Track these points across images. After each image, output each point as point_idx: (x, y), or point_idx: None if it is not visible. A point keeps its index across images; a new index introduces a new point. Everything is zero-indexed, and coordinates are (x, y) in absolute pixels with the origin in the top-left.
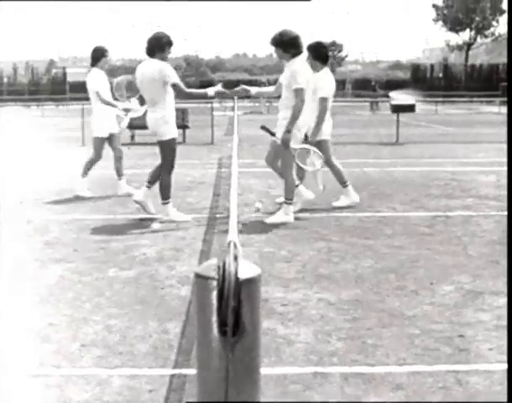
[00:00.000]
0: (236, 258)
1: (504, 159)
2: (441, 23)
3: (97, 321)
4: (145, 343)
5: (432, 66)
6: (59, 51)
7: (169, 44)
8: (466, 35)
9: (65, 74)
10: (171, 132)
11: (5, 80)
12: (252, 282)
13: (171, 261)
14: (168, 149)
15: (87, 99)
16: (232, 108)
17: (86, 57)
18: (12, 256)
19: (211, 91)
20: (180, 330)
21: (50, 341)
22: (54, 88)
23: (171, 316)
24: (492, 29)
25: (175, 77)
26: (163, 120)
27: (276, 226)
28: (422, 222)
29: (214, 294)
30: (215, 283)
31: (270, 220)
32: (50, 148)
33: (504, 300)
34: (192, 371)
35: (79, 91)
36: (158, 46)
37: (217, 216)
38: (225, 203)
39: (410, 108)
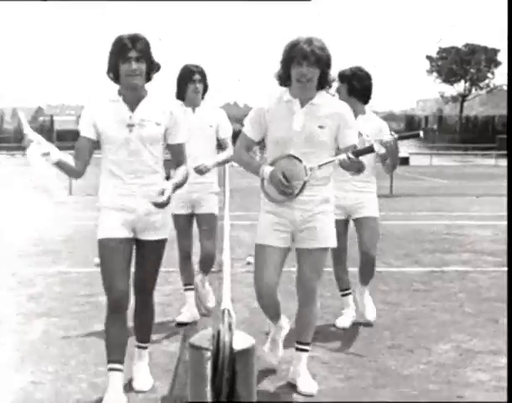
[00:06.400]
0: (230, 327)
1: (501, 213)
2: (435, 74)
3: (82, 379)
4: None
5: (426, 118)
6: (46, 99)
7: None
8: (460, 87)
9: (52, 122)
10: None
11: None
12: (246, 353)
13: (160, 316)
14: None
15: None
16: None
17: (74, 105)
18: None
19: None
20: (168, 388)
21: (32, 400)
22: (41, 136)
23: (159, 373)
24: (487, 81)
25: None
26: None
27: None
28: (417, 278)
29: (209, 364)
30: (209, 354)
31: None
32: (36, 197)
33: (504, 361)
34: None
35: (66, 139)
36: None
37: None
38: (216, 257)
39: (404, 161)
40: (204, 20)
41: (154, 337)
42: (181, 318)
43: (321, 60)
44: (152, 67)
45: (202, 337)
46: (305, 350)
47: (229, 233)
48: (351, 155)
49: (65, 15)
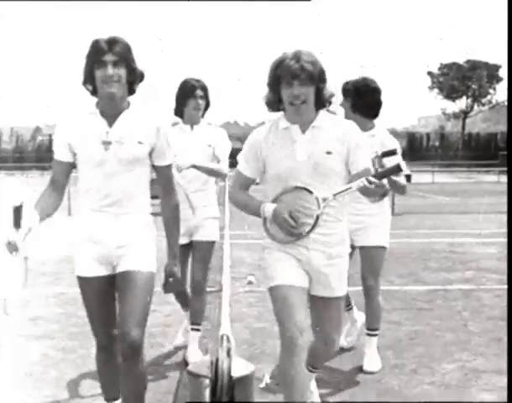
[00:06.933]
0: (229, 353)
1: (505, 230)
2: (436, 90)
3: None
4: None
5: (428, 135)
6: (44, 118)
7: None
8: (462, 103)
9: (50, 141)
10: None
11: None
12: (245, 379)
13: (159, 338)
14: None
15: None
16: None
17: None
18: None
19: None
20: None
21: None
22: (39, 156)
23: (158, 397)
24: (489, 97)
25: None
26: None
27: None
28: (421, 297)
29: (207, 392)
30: (208, 381)
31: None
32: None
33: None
34: None
35: None
36: None
37: (208, 290)
38: (216, 277)
39: (405, 178)
40: (204, 20)
41: (153, 359)
42: (180, 341)
43: (314, 76)
44: (134, 76)
45: (201, 365)
46: (313, 372)
47: (229, 253)
48: (373, 179)
49: (64, 16)
